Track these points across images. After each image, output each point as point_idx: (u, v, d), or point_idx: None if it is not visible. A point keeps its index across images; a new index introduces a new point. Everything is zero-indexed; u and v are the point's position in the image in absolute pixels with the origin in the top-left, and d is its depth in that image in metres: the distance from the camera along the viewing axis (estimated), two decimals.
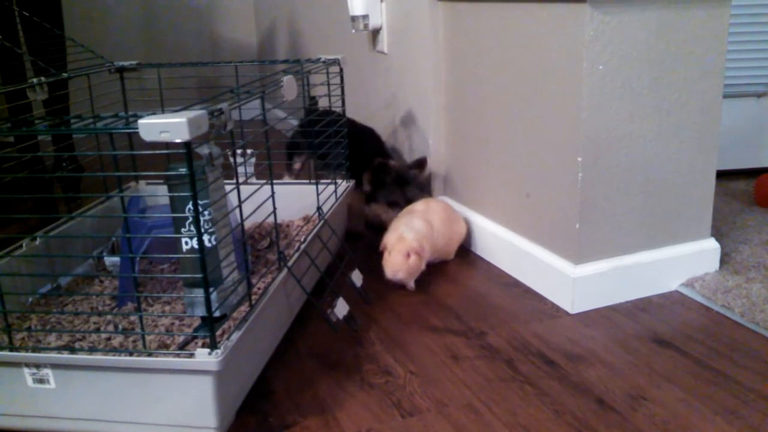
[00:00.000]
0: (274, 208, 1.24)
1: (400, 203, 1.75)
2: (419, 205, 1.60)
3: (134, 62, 1.69)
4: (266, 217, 1.24)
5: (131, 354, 1.08)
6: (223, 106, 0.97)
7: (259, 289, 1.26)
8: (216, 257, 0.99)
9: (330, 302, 1.30)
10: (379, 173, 1.78)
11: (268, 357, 1.22)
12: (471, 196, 1.73)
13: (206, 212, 0.97)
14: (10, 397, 1.03)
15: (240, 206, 1.08)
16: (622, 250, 1.40)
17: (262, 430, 1.06)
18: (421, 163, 1.79)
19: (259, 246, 1.61)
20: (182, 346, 1.12)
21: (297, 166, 2.00)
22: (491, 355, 1.24)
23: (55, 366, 0.99)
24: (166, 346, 1.16)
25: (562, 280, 1.39)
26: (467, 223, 1.70)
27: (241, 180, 1.09)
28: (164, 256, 1.50)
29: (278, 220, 1.66)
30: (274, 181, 1.24)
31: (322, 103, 1.67)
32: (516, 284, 1.52)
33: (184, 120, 0.84)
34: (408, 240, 1.46)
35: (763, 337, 1.26)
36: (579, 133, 1.30)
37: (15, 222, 1.87)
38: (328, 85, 1.59)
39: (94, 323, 1.27)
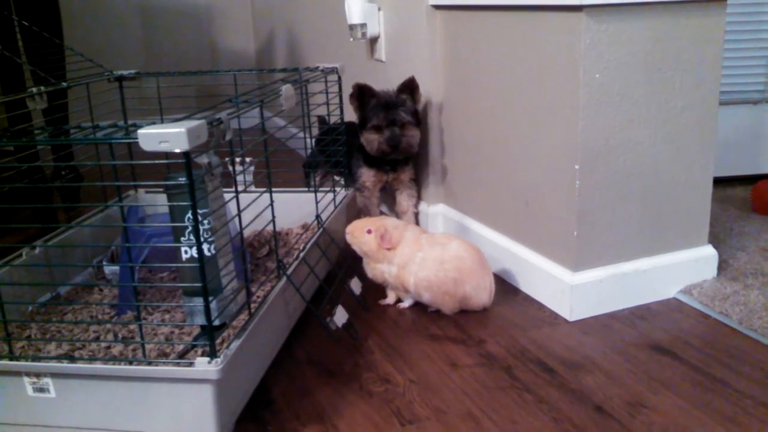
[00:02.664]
0: (273, 217, 1.25)
1: (382, 126, 1.69)
2: (440, 236, 1.46)
3: (133, 71, 1.70)
4: (265, 225, 1.25)
5: (131, 363, 1.08)
6: (222, 115, 0.97)
7: (258, 297, 1.26)
8: (215, 266, 1.00)
9: (329, 310, 1.30)
10: (362, 97, 1.73)
11: (267, 365, 1.22)
12: (469, 204, 1.74)
13: (205, 221, 0.97)
14: (10, 406, 1.03)
15: (239, 215, 1.08)
16: (620, 257, 1.41)
17: None
18: (409, 86, 1.71)
19: (258, 254, 1.61)
20: (182, 355, 1.12)
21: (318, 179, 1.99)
22: (490, 362, 1.24)
23: (55, 375, 1.00)
24: (166, 355, 1.16)
25: (561, 287, 1.39)
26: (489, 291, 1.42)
27: (240, 188, 1.09)
28: (164, 264, 1.50)
29: (277, 228, 1.67)
30: (273, 189, 1.24)
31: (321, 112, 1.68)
32: (514, 292, 1.52)
33: (183, 130, 0.84)
34: (380, 220, 1.44)
35: (760, 344, 1.26)
36: (576, 141, 1.31)
37: (14, 231, 1.88)
38: (327, 93, 1.59)
39: (94, 332, 1.27)
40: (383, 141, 1.69)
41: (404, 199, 1.84)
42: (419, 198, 1.88)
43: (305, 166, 2.05)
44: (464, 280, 1.38)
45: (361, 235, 1.43)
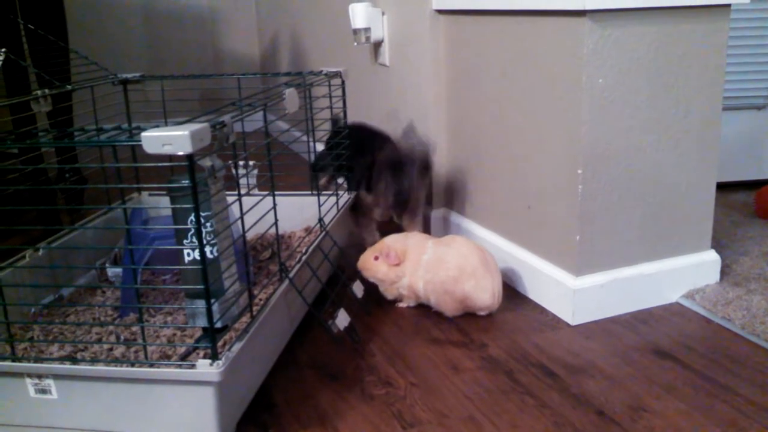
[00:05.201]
0: (276, 220, 1.25)
1: (390, 191, 1.67)
2: (446, 238, 1.47)
3: (138, 74, 1.71)
4: (268, 229, 1.25)
5: (133, 365, 1.08)
6: (226, 119, 0.97)
7: (260, 300, 1.27)
8: (217, 269, 1.00)
9: (331, 313, 1.30)
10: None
11: (269, 368, 1.22)
12: (472, 208, 1.74)
13: (208, 224, 0.97)
14: (12, 407, 1.04)
15: (242, 218, 1.09)
16: (622, 261, 1.41)
17: None
18: (425, 165, 1.69)
19: (261, 257, 1.62)
20: (184, 357, 1.12)
21: (323, 182, 1.99)
22: (492, 366, 1.24)
23: (57, 376, 1.00)
24: (168, 357, 1.16)
25: (563, 291, 1.39)
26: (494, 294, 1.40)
27: (243, 191, 1.09)
28: (166, 267, 1.50)
29: (280, 232, 1.67)
30: (276, 192, 1.25)
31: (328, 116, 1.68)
32: (516, 296, 1.52)
33: (186, 133, 0.85)
34: (381, 243, 1.47)
35: (763, 349, 1.26)
36: (579, 146, 1.31)
37: (18, 233, 1.88)
38: (330, 97, 1.60)
39: (96, 334, 1.27)
40: (389, 206, 1.68)
41: (406, 221, 1.79)
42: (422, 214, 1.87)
43: (314, 165, 2.05)
44: (464, 279, 1.38)
45: (371, 265, 1.46)
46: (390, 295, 1.48)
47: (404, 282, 1.44)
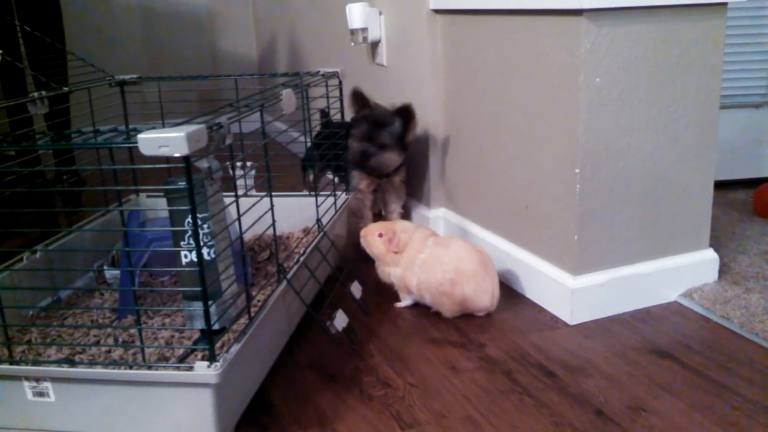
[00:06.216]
0: (273, 221, 1.25)
1: (359, 139, 1.69)
2: (446, 238, 1.47)
3: (135, 76, 1.70)
4: (266, 230, 1.25)
5: (131, 367, 1.08)
6: (222, 120, 0.97)
7: (258, 301, 1.26)
8: (215, 270, 1.00)
9: (329, 314, 1.30)
10: (355, 101, 1.74)
11: (267, 369, 1.22)
12: (470, 208, 1.74)
13: (205, 225, 0.97)
14: (10, 410, 1.03)
15: (239, 219, 1.08)
16: (620, 261, 1.41)
17: None
18: (404, 112, 1.69)
19: (258, 258, 1.62)
20: (182, 359, 1.12)
21: (311, 177, 2.00)
22: (490, 366, 1.24)
23: (54, 379, 1.00)
24: (166, 359, 1.16)
25: (561, 291, 1.39)
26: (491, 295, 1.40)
27: (240, 192, 1.09)
28: (164, 269, 1.50)
29: (278, 232, 1.67)
30: (274, 193, 1.24)
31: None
32: (515, 295, 1.52)
33: (182, 135, 0.84)
34: (391, 224, 1.48)
35: (762, 348, 1.26)
36: (577, 145, 1.31)
37: (16, 235, 1.88)
38: (328, 98, 1.59)
39: (94, 336, 1.27)
40: (354, 153, 1.71)
41: (392, 201, 1.86)
42: (408, 197, 1.89)
43: (303, 161, 2.06)
44: (462, 282, 1.37)
45: (372, 238, 1.47)
46: (382, 276, 1.49)
47: (396, 273, 1.45)
